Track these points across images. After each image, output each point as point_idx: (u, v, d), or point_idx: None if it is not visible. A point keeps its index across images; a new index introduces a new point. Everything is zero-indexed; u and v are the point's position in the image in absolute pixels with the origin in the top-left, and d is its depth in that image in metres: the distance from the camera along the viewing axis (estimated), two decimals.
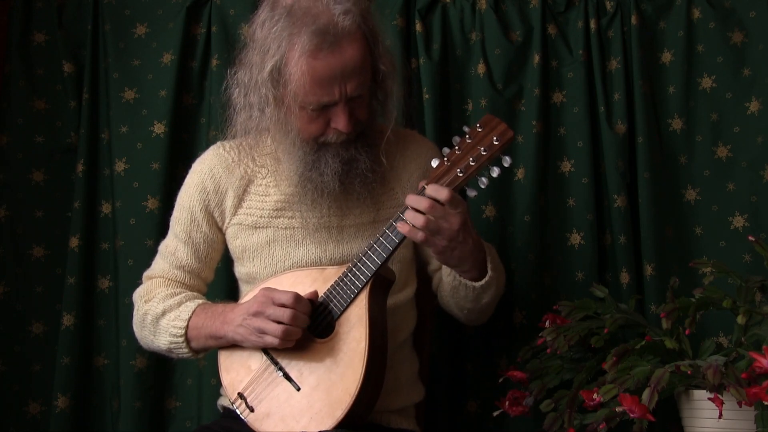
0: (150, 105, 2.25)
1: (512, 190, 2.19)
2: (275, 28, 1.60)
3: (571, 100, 2.21)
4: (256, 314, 1.59)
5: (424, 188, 1.57)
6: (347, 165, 1.67)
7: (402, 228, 1.55)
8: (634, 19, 2.18)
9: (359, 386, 1.54)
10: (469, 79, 2.24)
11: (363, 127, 1.67)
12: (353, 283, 1.60)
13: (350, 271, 1.61)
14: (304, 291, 1.63)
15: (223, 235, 1.80)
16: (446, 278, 1.75)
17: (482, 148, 1.55)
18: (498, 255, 1.80)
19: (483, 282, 1.68)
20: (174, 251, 1.80)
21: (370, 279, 1.59)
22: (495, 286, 1.71)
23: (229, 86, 1.72)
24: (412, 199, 1.55)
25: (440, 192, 1.54)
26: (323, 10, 1.58)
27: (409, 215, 1.55)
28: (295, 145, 1.69)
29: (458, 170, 1.56)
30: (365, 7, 1.64)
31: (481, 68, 2.22)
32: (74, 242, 2.22)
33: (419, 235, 1.55)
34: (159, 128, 2.24)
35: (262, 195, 1.76)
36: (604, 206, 2.19)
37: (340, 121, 1.62)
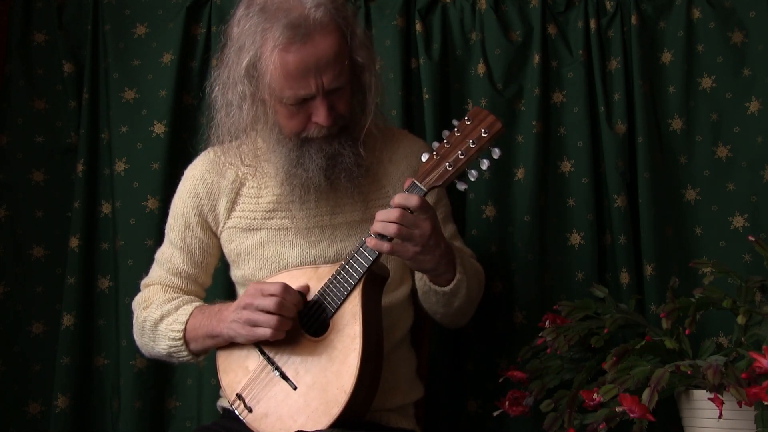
0: (150, 105, 2.25)
1: (512, 190, 2.19)
2: (249, 24, 1.61)
3: (571, 100, 2.21)
4: (246, 306, 1.59)
5: (414, 183, 1.57)
6: (331, 160, 1.67)
7: (369, 242, 1.56)
8: (634, 19, 2.18)
9: (354, 383, 1.54)
10: (469, 79, 2.24)
11: (345, 121, 1.67)
12: (346, 281, 1.60)
13: (343, 269, 1.61)
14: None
15: (218, 239, 1.80)
16: (418, 284, 1.75)
17: (471, 141, 1.55)
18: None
19: (451, 286, 1.67)
20: (170, 258, 1.80)
21: (362, 276, 1.59)
22: (465, 289, 1.68)
23: (211, 86, 1.72)
24: (381, 214, 1.55)
25: (410, 199, 1.54)
26: (295, 4, 1.59)
27: (378, 227, 1.55)
28: (279, 143, 1.69)
29: (447, 164, 1.56)
30: (339, 0, 1.64)
31: (481, 68, 2.22)
32: (74, 242, 2.22)
33: (385, 247, 1.55)
34: (159, 128, 2.24)
35: (254, 197, 1.76)
36: (604, 206, 2.18)
37: (320, 115, 1.62)
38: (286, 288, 1.58)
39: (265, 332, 1.58)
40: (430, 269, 1.64)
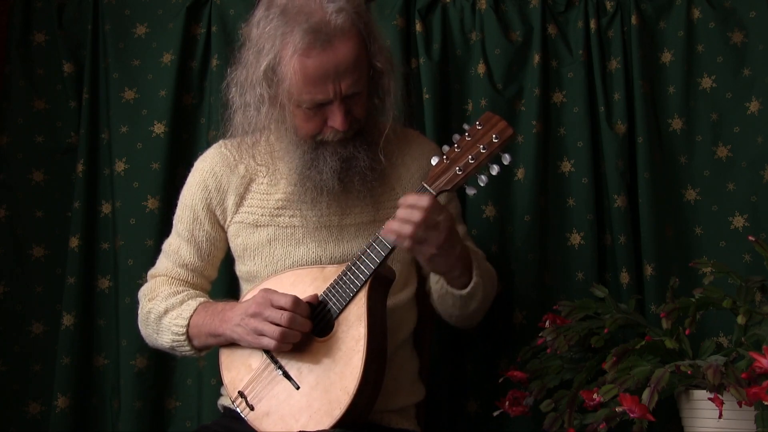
0: (150, 105, 2.25)
1: (512, 190, 2.19)
2: (269, 26, 1.61)
3: (571, 100, 2.21)
4: (254, 315, 1.59)
5: (423, 186, 1.57)
6: (346, 163, 1.67)
7: (388, 237, 1.56)
8: (634, 19, 2.18)
9: (357, 385, 1.54)
10: (469, 79, 2.24)
11: (361, 125, 1.67)
12: (352, 282, 1.60)
13: (349, 269, 1.61)
14: (305, 290, 1.63)
15: (225, 233, 1.81)
16: (434, 286, 1.75)
17: (482, 146, 1.54)
18: (488, 259, 1.80)
19: (468, 289, 1.68)
20: (177, 250, 1.81)
21: (369, 278, 1.59)
22: (482, 292, 1.70)
23: (227, 85, 1.72)
24: (402, 213, 1.55)
25: (421, 200, 1.54)
26: (316, 8, 1.58)
27: (395, 225, 1.55)
28: (294, 144, 1.69)
29: (457, 168, 1.55)
30: (360, 5, 1.64)
31: (481, 68, 2.22)
32: (74, 242, 2.22)
33: (406, 243, 1.55)
34: (159, 128, 2.24)
35: (263, 193, 1.77)
36: (604, 206, 2.19)
37: (336, 119, 1.62)
38: (296, 301, 1.58)
39: (270, 343, 1.58)
40: (446, 271, 1.65)
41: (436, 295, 1.75)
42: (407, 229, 1.54)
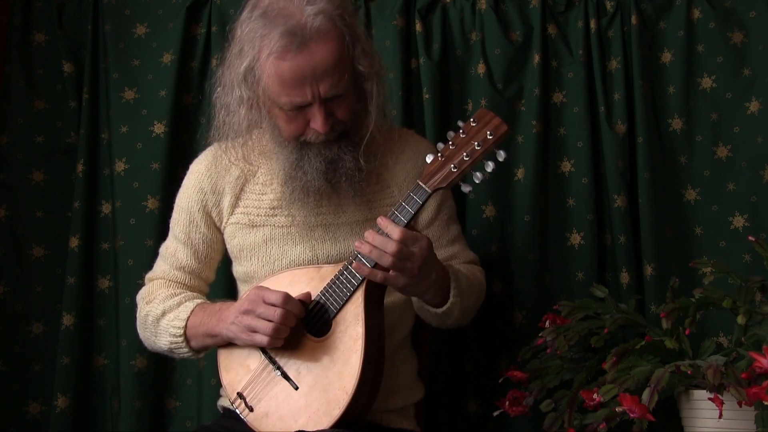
0: (150, 105, 2.26)
1: (512, 190, 2.19)
2: (249, 28, 1.60)
3: (571, 100, 2.21)
4: (247, 312, 1.59)
5: (418, 184, 1.57)
6: (332, 164, 1.67)
7: (361, 271, 1.55)
8: (634, 19, 2.18)
9: (356, 385, 1.54)
10: (469, 79, 2.24)
11: (346, 127, 1.67)
12: (349, 281, 1.60)
13: (346, 269, 1.60)
14: (302, 290, 1.63)
15: (222, 234, 1.81)
16: (412, 298, 1.75)
17: (476, 143, 1.54)
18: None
19: (443, 309, 1.67)
20: (174, 252, 1.81)
21: (365, 276, 1.59)
22: (459, 310, 1.68)
23: (213, 85, 1.73)
24: (376, 240, 1.53)
25: (393, 231, 1.53)
26: (295, 11, 1.57)
27: (374, 254, 1.53)
28: (280, 145, 1.69)
29: (452, 166, 1.55)
30: (344, 7, 1.63)
31: (481, 68, 2.22)
32: (74, 242, 2.22)
33: (378, 276, 1.55)
34: (159, 128, 2.24)
35: (258, 194, 1.77)
36: (604, 206, 2.19)
37: (317, 122, 1.61)
38: (287, 297, 1.58)
39: (262, 339, 1.58)
40: (416, 296, 1.65)
41: (414, 306, 1.75)
42: (386, 260, 1.52)
